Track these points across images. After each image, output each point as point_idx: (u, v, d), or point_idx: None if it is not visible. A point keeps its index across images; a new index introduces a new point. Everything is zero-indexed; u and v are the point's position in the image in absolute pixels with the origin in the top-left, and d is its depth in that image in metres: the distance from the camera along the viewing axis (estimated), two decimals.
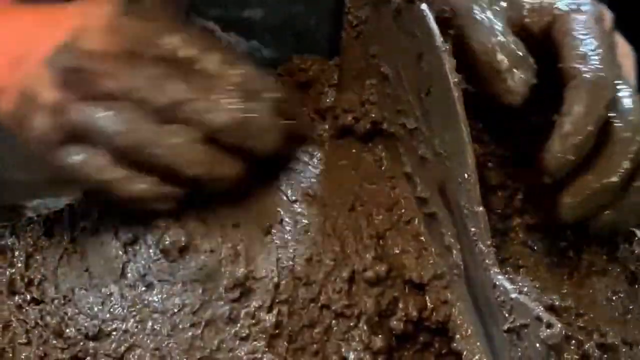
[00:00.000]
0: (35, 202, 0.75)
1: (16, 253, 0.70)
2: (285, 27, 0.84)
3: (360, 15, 0.65)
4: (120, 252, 0.67)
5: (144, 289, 0.65)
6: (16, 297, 0.68)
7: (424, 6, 0.59)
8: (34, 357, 0.66)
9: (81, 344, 0.65)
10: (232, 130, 0.59)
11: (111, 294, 0.66)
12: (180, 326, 0.62)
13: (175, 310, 0.63)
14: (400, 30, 0.61)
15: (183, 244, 0.64)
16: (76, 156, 0.60)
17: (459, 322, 0.59)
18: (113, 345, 0.64)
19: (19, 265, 0.69)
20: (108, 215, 0.69)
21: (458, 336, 0.59)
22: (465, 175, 0.56)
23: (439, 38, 0.58)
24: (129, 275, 0.66)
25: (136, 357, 0.64)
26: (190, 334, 0.63)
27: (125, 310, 0.65)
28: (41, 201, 0.75)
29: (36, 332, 0.66)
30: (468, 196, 0.56)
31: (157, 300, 0.64)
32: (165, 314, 0.63)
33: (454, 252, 0.59)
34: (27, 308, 0.67)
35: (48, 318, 0.67)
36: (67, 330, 0.66)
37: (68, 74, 0.60)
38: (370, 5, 0.64)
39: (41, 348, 0.66)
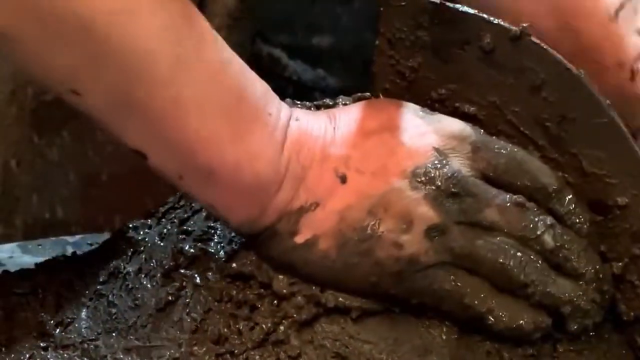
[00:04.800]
0: (77, 237, 0.75)
1: (48, 293, 0.67)
2: (355, 55, 0.81)
3: (412, 65, 0.64)
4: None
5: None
6: (44, 339, 0.64)
7: (535, 38, 0.60)
8: None
9: None
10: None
11: (138, 339, 0.62)
12: None
13: None
14: (494, 67, 0.61)
15: None
16: (455, 282, 0.59)
17: None
18: None
19: (50, 305, 0.66)
20: (137, 258, 0.66)
21: None
22: None
23: (568, 64, 0.59)
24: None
25: None
26: None
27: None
28: (83, 236, 0.75)
29: None
30: None
31: None
32: None
33: None
34: (53, 352, 0.63)
35: None
36: None
37: (447, 197, 0.58)
38: (426, 51, 0.63)
39: None
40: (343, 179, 0.59)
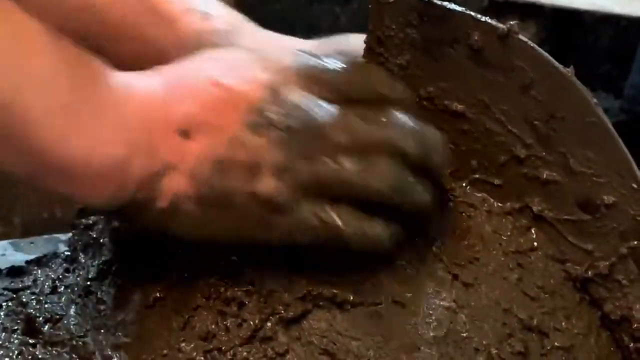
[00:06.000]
0: (69, 234, 0.73)
1: (38, 289, 0.67)
2: None
3: (401, 62, 0.64)
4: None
5: None
6: (32, 336, 0.64)
7: (523, 37, 0.60)
8: None
9: None
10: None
11: (126, 336, 0.62)
12: None
13: None
14: (484, 66, 0.61)
15: None
16: (322, 212, 0.59)
17: None
18: None
19: (40, 301, 0.66)
20: (125, 256, 0.67)
21: None
22: (634, 185, 0.59)
23: (556, 63, 0.60)
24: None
25: None
26: None
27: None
28: (72, 233, 0.73)
29: None
30: None
31: None
32: None
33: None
34: (42, 348, 0.63)
35: (64, 357, 0.62)
36: None
37: (286, 132, 0.58)
38: (416, 49, 0.63)
39: None
40: (186, 136, 0.58)
